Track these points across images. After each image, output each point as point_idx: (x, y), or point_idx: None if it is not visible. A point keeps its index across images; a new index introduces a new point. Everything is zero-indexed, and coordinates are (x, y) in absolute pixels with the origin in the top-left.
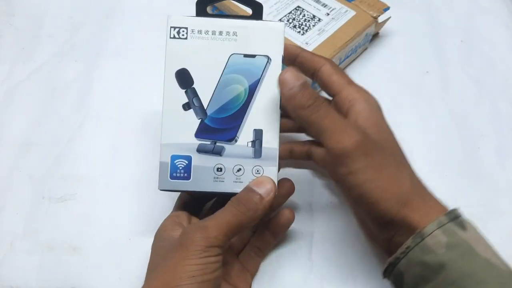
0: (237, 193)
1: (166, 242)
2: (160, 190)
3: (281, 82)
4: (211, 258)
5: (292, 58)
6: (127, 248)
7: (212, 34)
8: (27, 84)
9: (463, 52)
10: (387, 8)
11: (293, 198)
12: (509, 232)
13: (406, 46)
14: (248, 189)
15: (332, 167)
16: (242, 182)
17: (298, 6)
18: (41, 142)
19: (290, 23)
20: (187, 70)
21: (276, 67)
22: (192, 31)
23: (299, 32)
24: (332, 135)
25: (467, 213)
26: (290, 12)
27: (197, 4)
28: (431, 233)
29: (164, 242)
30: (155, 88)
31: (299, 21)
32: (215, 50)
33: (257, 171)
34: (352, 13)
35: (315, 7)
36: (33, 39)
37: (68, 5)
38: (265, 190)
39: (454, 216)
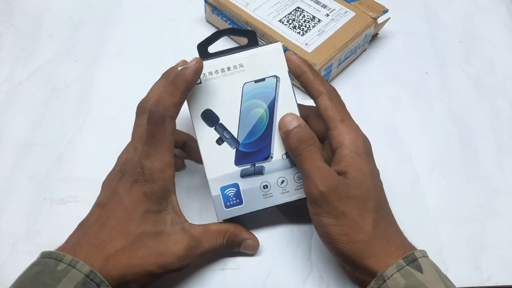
0: (287, 202)
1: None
2: (220, 220)
3: (279, 125)
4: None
5: (297, 74)
6: None
7: (221, 71)
8: (27, 85)
9: (462, 53)
10: (386, 11)
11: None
12: (507, 233)
13: (405, 47)
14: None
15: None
16: (288, 191)
17: (298, 7)
18: (42, 142)
19: (289, 24)
20: (210, 110)
21: (286, 82)
22: (204, 75)
23: (299, 33)
24: (306, 178)
25: (465, 213)
26: (290, 13)
27: (198, 47)
28: (391, 275)
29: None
30: None
31: (299, 22)
32: (229, 84)
33: (299, 177)
34: (351, 14)
35: (314, 8)
36: (33, 39)
37: (68, 4)
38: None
39: (411, 260)
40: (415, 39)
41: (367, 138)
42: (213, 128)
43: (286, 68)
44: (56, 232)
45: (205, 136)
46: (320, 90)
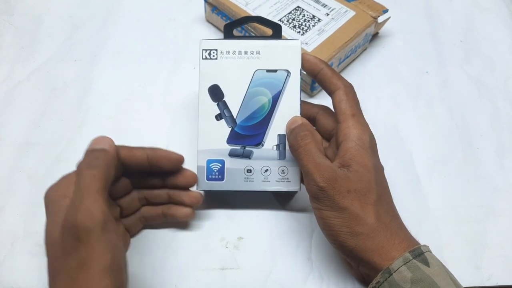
0: (266, 191)
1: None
2: (199, 190)
3: (287, 124)
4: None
5: (314, 72)
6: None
7: (238, 53)
8: (26, 84)
9: (463, 52)
10: (386, 10)
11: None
12: (508, 233)
13: (406, 46)
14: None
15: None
16: (269, 181)
17: (298, 6)
18: (41, 142)
19: (289, 23)
20: (218, 86)
21: (295, 79)
22: (221, 52)
23: (299, 32)
24: (306, 175)
25: (466, 213)
26: (290, 12)
27: (225, 27)
28: (398, 269)
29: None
30: (154, 87)
31: (299, 21)
32: (242, 67)
33: (282, 171)
34: (351, 13)
35: (314, 7)
36: (33, 39)
37: (67, 4)
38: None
39: (418, 253)
40: (415, 39)
41: (373, 135)
42: (216, 103)
43: (299, 66)
44: None
45: (206, 109)
46: (337, 85)
